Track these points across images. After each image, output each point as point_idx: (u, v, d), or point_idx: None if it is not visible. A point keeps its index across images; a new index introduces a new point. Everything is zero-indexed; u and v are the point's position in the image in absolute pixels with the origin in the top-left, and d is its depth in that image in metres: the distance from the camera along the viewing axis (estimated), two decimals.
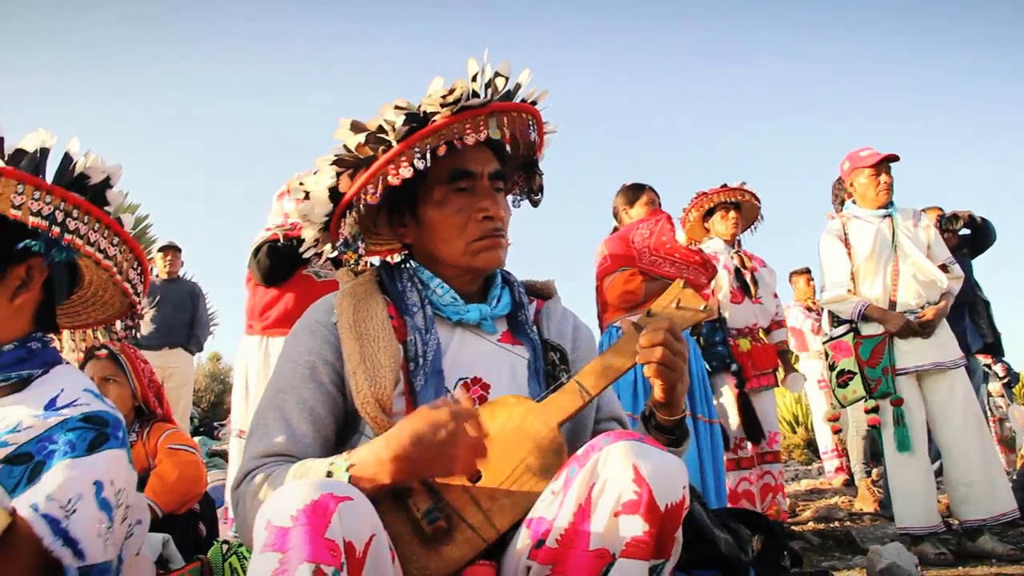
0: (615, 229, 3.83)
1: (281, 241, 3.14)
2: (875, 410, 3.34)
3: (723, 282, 3.96)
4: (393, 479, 1.03)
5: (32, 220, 1.09)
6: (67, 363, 1.24)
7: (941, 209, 4.58)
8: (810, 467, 7.08)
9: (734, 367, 3.83)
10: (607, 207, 3.98)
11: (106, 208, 1.21)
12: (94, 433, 1.06)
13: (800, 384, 4.46)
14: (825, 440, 5.89)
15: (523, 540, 1.04)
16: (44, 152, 1.15)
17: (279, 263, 3.13)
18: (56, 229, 1.12)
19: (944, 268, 3.42)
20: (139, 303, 1.35)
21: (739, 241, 4.20)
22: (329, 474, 1.05)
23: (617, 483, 0.96)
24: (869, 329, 3.40)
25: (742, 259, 4.09)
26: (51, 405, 1.10)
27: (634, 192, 3.78)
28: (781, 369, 4.23)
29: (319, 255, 3.19)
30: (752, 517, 1.62)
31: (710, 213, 4.18)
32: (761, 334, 4.10)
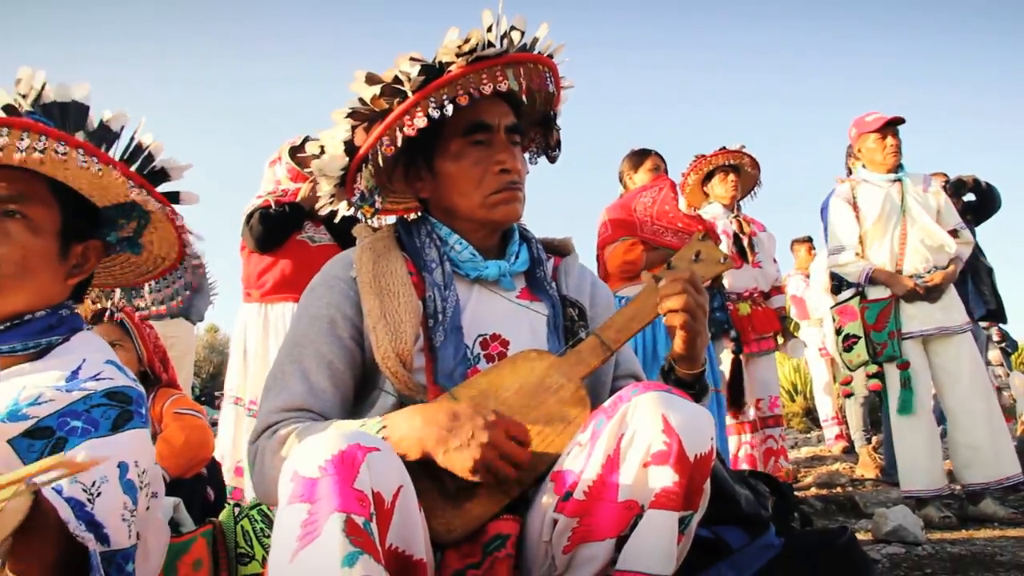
0: (620, 195, 3.80)
1: (273, 207, 3.12)
2: (877, 375, 3.34)
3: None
4: (421, 453, 1.02)
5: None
6: (89, 329, 1.19)
7: (946, 174, 4.53)
8: (809, 435, 7.12)
9: (733, 333, 3.83)
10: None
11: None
12: (117, 411, 1.02)
13: (800, 350, 4.45)
14: (825, 408, 5.91)
15: (549, 493, 1.03)
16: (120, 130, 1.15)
17: (271, 229, 3.11)
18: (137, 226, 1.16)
19: (954, 233, 3.40)
20: (153, 291, 1.35)
21: (739, 205, 4.16)
22: None
23: (646, 434, 0.95)
24: (875, 293, 3.39)
25: (740, 223, 4.06)
26: (73, 377, 1.05)
27: (639, 157, 3.75)
28: (781, 336, 4.23)
29: (315, 220, 3.17)
30: (761, 478, 1.62)
31: (709, 177, 4.15)
32: (761, 298, 4.10)
